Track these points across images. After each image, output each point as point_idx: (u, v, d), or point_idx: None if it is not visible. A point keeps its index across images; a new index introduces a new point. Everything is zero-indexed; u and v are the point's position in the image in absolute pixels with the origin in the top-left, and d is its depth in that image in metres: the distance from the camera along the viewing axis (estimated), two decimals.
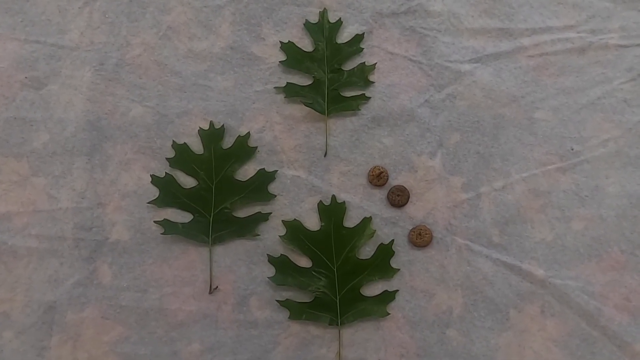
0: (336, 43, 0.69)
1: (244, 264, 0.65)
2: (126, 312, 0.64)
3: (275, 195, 0.66)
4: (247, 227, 0.65)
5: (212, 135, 0.67)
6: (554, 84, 0.68)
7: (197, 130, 0.68)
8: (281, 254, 0.65)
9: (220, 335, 0.64)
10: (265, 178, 0.66)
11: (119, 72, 0.69)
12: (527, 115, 0.68)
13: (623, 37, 0.69)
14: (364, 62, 0.69)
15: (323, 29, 0.69)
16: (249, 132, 0.67)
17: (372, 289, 0.65)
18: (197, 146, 0.67)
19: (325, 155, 0.67)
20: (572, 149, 0.67)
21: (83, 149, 0.67)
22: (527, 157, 0.67)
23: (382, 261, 0.64)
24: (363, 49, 0.69)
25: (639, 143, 0.67)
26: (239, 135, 0.67)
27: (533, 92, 0.68)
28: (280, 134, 0.68)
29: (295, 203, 0.67)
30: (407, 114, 0.68)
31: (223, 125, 0.67)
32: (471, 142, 0.67)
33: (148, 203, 0.66)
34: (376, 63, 0.69)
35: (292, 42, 0.69)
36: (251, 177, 0.66)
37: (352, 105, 0.68)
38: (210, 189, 0.66)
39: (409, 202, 0.66)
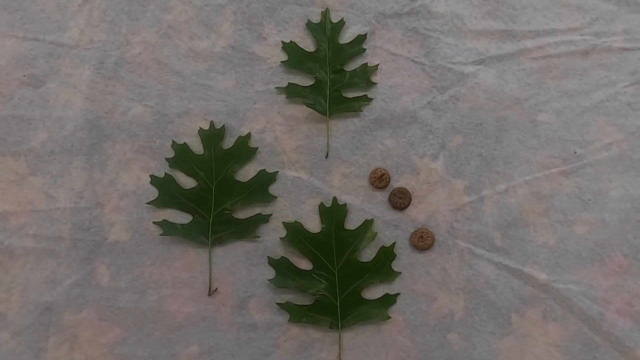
0: (338, 43, 0.69)
1: (243, 265, 0.65)
2: (124, 313, 0.64)
3: (276, 197, 0.66)
4: (247, 229, 0.65)
5: (212, 135, 0.66)
6: (557, 86, 0.68)
7: (197, 130, 0.67)
8: (281, 256, 0.64)
9: (219, 337, 0.63)
10: (265, 179, 0.66)
11: (119, 71, 0.68)
12: (530, 118, 0.67)
13: (627, 40, 0.68)
14: (366, 63, 0.68)
15: (325, 29, 0.69)
16: (249, 133, 0.67)
17: (373, 292, 0.64)
18: (197, 146, 0.67)
19: (326, 156, 0.67)
20: (575, 153, 0.66)
21: (82, 148, 0.66)
22: (530, 160, 0.66)
23: (384, 264, 0.64)
24: (365, 49, 0.69)
25: None
26: (240, 136, 0.67)
27: (536, 94, 0.68)
28: (281, 135, 0.67)
29: (296, 205, 0.66)
30: (409, 116, 0.67)
31: (224, 126, 0.67)
32: (474, 144, 0.67)
33: (147, 203, 0.65)
34: (379, 64, 0.68)
35: (294, 42, 0.68)
36: (252, 178, 0.66)
37: (354, 107, 0.67)
38: (210, 190, 0.65)
39: (410, 204, 0.66)
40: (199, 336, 0.63)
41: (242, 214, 0.65)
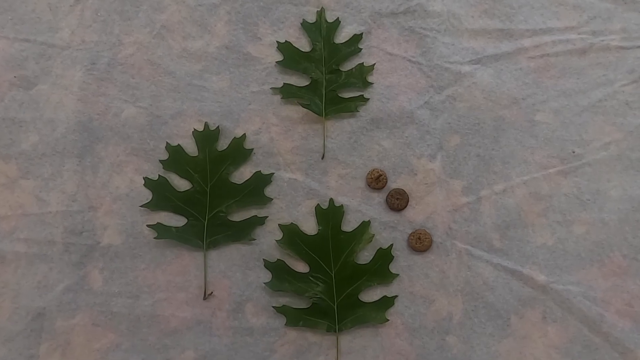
0: (334, 43, 0.68)
1: (239, 269, 0.64)
2: (118, 318, 0.63)
3: (272, 199, 0.65)
4: (243, 231, 0.64)
5: (206, 136, 0.66)
6: (554, 85, 0.67)
7: (191, 132, 0.66)
8: (277, 259, 0.63)
9: (214, 342, 0.62)
10: (261, 181, 0.65)
11: (111, 72, 0.67)
12: (527, 118, 0.67)
13: (624, 39, 0.68)
14: (363, 63, 0.68)
15: (321, 28, 0.68)
16: (244, 134, 0.66)
17: (371, 295, 0.63)
18: (191, 148, 0.66)
19: (322, 157, 0.66)
20: (574, 152, 0.66)
21: (74, 150, 0.66)
22: (528, 160, 0.66)
23: (381, 266, 0.63)
24: (361, 49, 0.68)
25: None
26: (235, 137, 0.66)
27: (534, 94, 0.67)
28: (276, 136, 0.66)
29: (292, 206, 0.65)
30: (406, 116, 0.67)
31: (218, 127, 0.66)
32: (471, 144, 0.66)
33: (141, 206, 0.64)
34: (375, 64, 0.68)
35: (289, 42, 0.68)
36: (247, 180, 0.65)
37: (350, 107, 0.67)
38: (205, 192, 0.64)
39: (408, 205, 0.65)
40: (194, 341, 0.62)
41: (238, 217, 0.65)
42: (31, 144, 0.66)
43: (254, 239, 0.64)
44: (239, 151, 0.65)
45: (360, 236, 0.64)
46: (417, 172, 0.66)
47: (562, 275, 0.64)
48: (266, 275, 0.64)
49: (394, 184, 0.66)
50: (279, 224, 0.64)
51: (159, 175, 0.65)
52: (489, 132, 0.66)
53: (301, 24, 0.68)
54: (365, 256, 0.64)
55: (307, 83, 0.67)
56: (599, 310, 0.63)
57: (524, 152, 0.66)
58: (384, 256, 0.63)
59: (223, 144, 0.66)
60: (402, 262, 0.64)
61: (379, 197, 0.66)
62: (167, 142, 0.66)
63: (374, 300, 0.63)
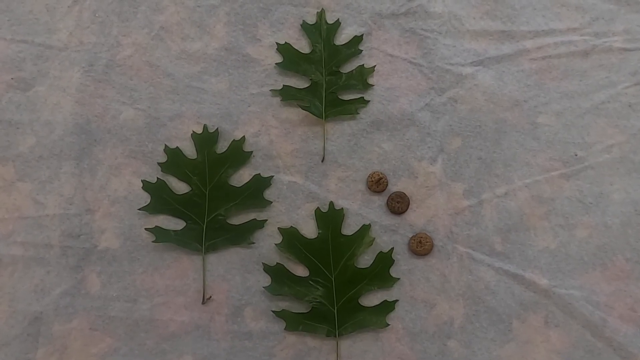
0: (334, 45, 0.67)
1: (238, 272, 0.63)
2: (115, 323, 0.62)
3: (271, 202, 0.65)
4: (242, 235, 0.63)
5: (205, 139, 0.65)
6: (557, 87, 0.67)
7: (190, 134, 0.66)
8: (277, 263, 0.63)
9: (213, 347, 0.62)
10: (260, 184, 0.64)
11: (109, 74, 0.67)
12: (529, 120, 0.66)
13: (627, 41, 0.67)
14: (363, 65, 0.67)
15: (321, 30, 0.67)
16: (244, 136, 0.65)
17: (371, 299, 0.63)
18: (190, 150, 0.65)
19: (322, 160, 0.66)
20: (576, 155, 0.65)
21: (71, 153, 0.65)
22: (530, 163, 0.65)
23: (382, 270, 0.63)
24: (362, 50, 0.67)
25: None
26: (234, 140, 0.65)
27: (536, 96, 0.67)
28: (276, 139, 0.66)
29: (292, 210, 0.65)
30: (407, 118, 0.66)
31: (217, 129, 0.65)
32: (473, 147, 0.66)
33: (139, 209, 0.64)
34: (375, 65, 0.67)
35: (289, 44, 0.67)
36: (246, 183, 0.64)
37: (350, 109, 0.66)
38: (204, 195, 0.64)
39: (409, 209, 0.65)
40: (193, 345, 0.62)
41: (237, 220, 0.64)
42: (28, 146, 0.65)
43: (253, 243, 0.64)
44: (238, 154, 0.65)
45: (360, 240, 0.63)
46: (417, 175, 0.65)
47: (565, 279, 0.63)
48: (265, 279, 0.63)
49: (394, 187, 0.65)
50: (278, 228, 0.64)
51: (157, 178, 0.64)
52: (491, 135, 0.66)
53: (301, 25, 0.68)
54: (365, 260, 0.64)
55: (307, 85, 0.67)
56: (602, 314, 0.62)
57: (525, 154, 0.65)
58: (385, 260, 0.63)
59: (222, 146, 0.65)
60: (403, 265, 0.64)
61: (379, 201, 0.65)
62: (165, 145, 0.65)
63: (374, 304, 0.62)
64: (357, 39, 0.67)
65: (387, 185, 0.65)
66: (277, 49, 0.67)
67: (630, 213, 0.64)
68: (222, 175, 0.64)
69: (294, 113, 0.67)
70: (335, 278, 0.62)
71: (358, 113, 0.66)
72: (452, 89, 0.67)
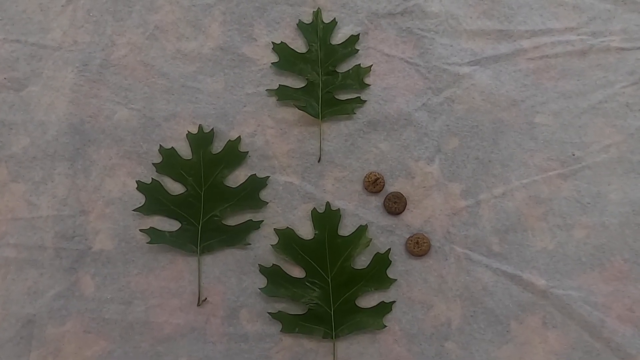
0: (330, 44, 0.67)
1: (234, 274, 0.63)
2: (110, 325, 0.62)
3: (267, 203, 0.64)
4: (238, 236, 0.63)
5: (201, 139, 0.65)
6: (554, 87, 0.66)
7: (185, 135, 0.65)
8: (273, 264, 0.62)
9: (209, 349, 0.61)
10: (256, 184, 0.64)
11: (104, 73, 0.66)
12: (527, 120, 0.66)
13: (624, 40, 0.67)
14: (359, 64, 0.67)
15: (317, 29, 0.67)
16: (239, 137, 0.65)
17: (368, 300, 0.62)
18: (185, 151, 0.65)
19: (319, 160, 0.65)
20: (574, 155, 0.65)
21: (65, 153, 0.64)
22: (527, 163, 0.65)
23: (378, 271, 0.62)
24: (358, 50, 0.67)
25: None
26: (229, 140, 0.65)
27: (533, 95, 0.66)
28: (272, 139, 0.65)
29: (288, 210, 0.64)
30: (404, 118, 0.66)
31: (212, 129, 0.65)
32: (470, 147, 0.65)
33: (133, 210, 0.63)
34: (372, 65, 0.67)
35: (285, 43, 0.67)
36: (242, 184, 0.64)
37: (347, 109, 0.66)
38: (199, 196, 0.63)
39: (406, 209, 0.64)
40: (188, 348, 0.61)
41: (232, 221, 0.63)
42: (21, 146, 0.64)
43: (249, 244, 0.63)
44: (234, 154, 0.64)
45: (357, 241, 0.63)
46: (415, 176, 0.65)
47: (563, 280, 0.63)
48: (261, 281, 0.62)
49: (391, 187, 0.65)
50: (274, 229, 0.63)
51: (152, 178, 0.64)
52: (488, 135, 0.66)
53: (297, 24, 0.67)
54: (362, 261, 0.63)
55: (303, 85, 0.66)
56: (600, 315, 0.62)
57: (523, 154, 0.65)
58: (382, 261, 0.62)
59: (217, 146, 0.65)
60: (400, 267, 0.63)
61: (376, 201, 0.65)
62: (160, 145, 0.65)
63: (371, 305, 0.62)
64: (354, 39, 0.67)
65: (384, 185, 0.64)
66: (273, 48, 0.67)
67: (628, 213, 0.64)
68: (218, 175, 0.64)
69: (290, 113, 0.66)
70: (331, 279, 0.62)
71: (355, 113, 0.66)
72: (449, 88, 0.66)
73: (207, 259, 0.63)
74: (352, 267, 0.62)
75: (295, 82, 0.67)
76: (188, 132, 0.65)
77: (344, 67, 0.67)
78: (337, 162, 0.65)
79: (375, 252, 0.63)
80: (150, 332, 0.61)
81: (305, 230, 0.64)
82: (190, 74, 0.66)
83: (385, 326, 0.61)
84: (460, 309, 0.62)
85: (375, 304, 0.62)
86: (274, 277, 0.62)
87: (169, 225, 0.63)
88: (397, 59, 0.67)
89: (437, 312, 0.62)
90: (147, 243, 0.62)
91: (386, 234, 0.64)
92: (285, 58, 0.66)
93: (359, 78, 0.66)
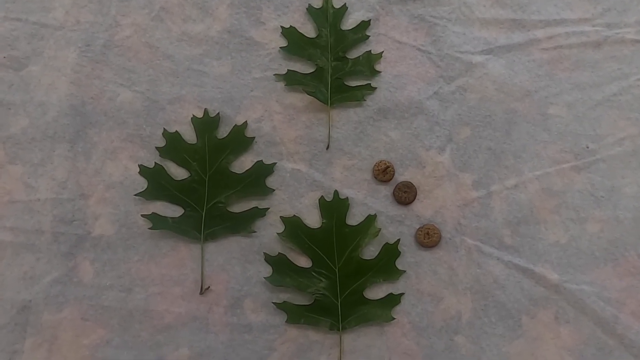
0: (341, 29, 0.66)
1: (238, 262, 0.61)
2: (108, 313, 0.60)
3: (274, 190, 0.63)
4: (243, 223, 0.61)
5: (206, 123, 0.63)
6: (568, 78, 0.65)
7: (190, 118, 0.64)
8: (279, 253, 0.61)
9: (211, 339, 0.60)
10: (263, 171, 0.63)
11: (107, 54, 0.65)
12: (540, 111, 0.65)
13: (639, 32, 0.66)
14: (370, 51, 0.66)
15: (327, 14, 0.66)
16: (246, 122, 0.64)
17: (376, 292, 0.61)
18: (189, 135, 0.63)
19: (327, 148, 0.64)
20: (588, 147, 0.64)
21: (65, 135, 0.63)
22: (540, 155, 0.64)
23: (387, 262, 0.61)
24: (369, 36, 0.66)
25: None
26: (236, 125, 0.63)
27: (547, 86, 0.65)
28: (279, 125, 0.64)
29: (295, 198, 0.63)
30: (415, 106, 0.64)
31: (218, 114, 0.64)
32: (482, 137, 0.64)
33: (135, 195, 0.62)
34: (383, 52, 0.66)
35: (294, 27, 0.65)
36: (248, 170, 0.63)
37: (356, 96, 0.64)
38: (204, 182, 0.62)
39: (416, 199, 0.63)
40: (190, 338, 0.60)
41: (237, 208, 0.62)
42: (20, 127, 0.63)
43: (254, 232, 0.62)
44: (240, 139, 0.63)
45: (365, 230, 0.61)
46: (425, 165, 0.63)
47: (576, 274, 0.61)
48: (266, 270, 0.61)
49: (401, 176, 0.63)
50: (280, 216, 0.62)
51: (155, 163, 0.62)
52: (501, 125, 0.64)
53: (307, 9, 0.66)
54: (370, 251, 0.62)
55: (312, 70, 0.65)
56: (613, 311, 0.60)
57: (536, 146, 0.64)
58: (391, 252, 0.61)
59: (223, 131, 0.64)
60: (409, 258, 0.62)
61: (385, 190, 0.63)
62: (164, 129, 0.63)
63: (379, 297, 0.61)
64: (365, 24, 0.66)
65: (393, 174, 0.63)
66: (281, 32, 0.66)
67: None
68: (223, 161, 0.62)
69: (299, 99, 0.65)
70: (339, 269, 0.60)
71: (364, 100, 0.64)
72: (462, 77, 0.65)
73: (211, 247, 0.61)
74: (360, 257, 0.61)
75: (304, 68, 0.65)
76: (193, 116, 0.63)
77: (354, 53, 0.66)
78: (346, 149, 0.64)
79: (384, 243, 0.61)
80: (150, 320, 0.60)
81: (313, 219, 0.62)
82: (196, 57, 0.65)
83: (394, 319, 0.60)
84: (470, 303, 0.61)
85: (383, 296, 0.61)
86: (280, 266, 0.60)
87: (171, 211, 0.62)
88: (409, 46, 0.66)
89: (447, 305, 0.61)
90: (148, 229, 0.61)
91: (395, 224, 0.62)
92: (294, 42, 0.65)
93: (369, 64, 0.65)
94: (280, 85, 0.65)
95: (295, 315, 0.59)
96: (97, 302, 0.60)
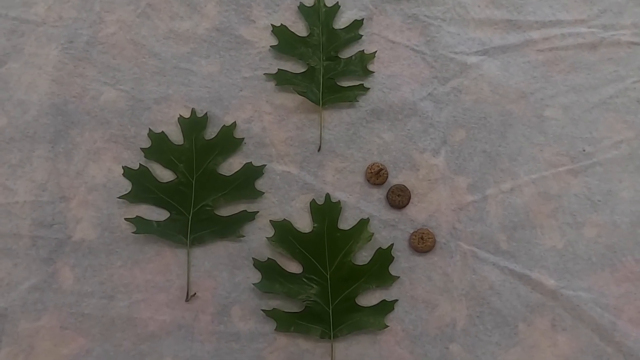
0: (333, 29, 0.65)
1: (225, 268, 0.60)
2: (89, 321, 0.58)
3: (263, 193, 0.61)
4: (231, 227, 0.60)
5: (193, 124, 0.62)
6: (564, 80, 0.65)
7: (176, 119, 0.63)
8: (268, 258, 0.60)
9: (196, 349, 0.58)
10: (252, 173, 0.62)
11: (90, 52, 0.64)
12: (536, 113, 0.64)
13: (636, 34, 0.66)
14: (363, 50, 0.65)
15: (319, 12, 0.65)
16: (235, 122, 0.63)
17: (369, 299, 0.60)
18: (176, 136, 0.62)
19: (319, 149, 0.63)
20: (584, 150, 0.63)
21: (46, 135, 0.62)
22: (536, 158, 0.63)
23: (380, 267, 0.60)
24: (362, 36, 0.65)
25: None
26: (224, 125, 0.62)
27: (543, 88, 0.64)
28: (269, 125, 0.63)
29: (285, 201, 0.61)
30: (408, 108, 0.63)
31: (206, 114, 0.63)
32: (477, 139, 0.63)
33: (119, 198, 0.61)
34: (376, 52, 0.65)
35: (285, 26, 0.65)
36: (236, 172, 0.62)
37: (349, 96, 0.63)
38: (190, 184, 0.60)
39: (410, 203, 0.61)
40: (174, 347, 0.58)
41: (225, 211, 0.61)
42: None
43: (243, 236, 0.60)
44: (229, 141, 0.62)
45: (358, 235, 0.60)
46: (419, 168, 0.62)
47: (573, 280, 0.60)
48: (255, 276, 0.60)
49: (395, 179, 0.62)
50: (270, 220, 0.60)
51: (139, 164, 0.61)
52: (496, 127, 0.63)
53: (298, 7, 0.66)
54: (363, 256, 0.60)
55: (304, 70, 0.64)
56: (611, 317, 0.59)
57: (532, 149, 0.63)
58: (384, 257, 0.60)
59: (211, 132, 0.62)
60: (403, 263, 0.61)
61: (378, 194, 0.62)
62: (149, 129, 0.62)
63: (372, 304, 0.59)
64: (357, 24, 0.65)
65: (387, 177, 0.62)
66: (272, 31, 0.65)
67: None
68: (211, 163, 0.61)
69: (289, 99, 0.63)
70: (330, 275, 0.59)
71: (357, 100, 0.63)
72: (456, 78, 0.64)
73: (197, 252, 0.60)
74: (353, 262, 0.60)
75: (295, 67, 0.64)
76: (180, 116, 0.62)
77: (346, 53, 0.65)
78: (338, 151, 0.62)
79: (377, 248, 0.60)
80: (133, 329, 0.58)
81: (303, 223, 0.61)
82: (184, 55, 0.64)
83: (387, 326, 0.59)
84: (465, 309, 0.59)
85: (376, 303, 0.59)
86: (269, 272, 0.59)
87: (156, 214, 0.60)
88: (402, 46, 0.65)
89: (441, 312, 0.59)
90: (132, 233, 0.60)
91: (389, 229, 0.61)
92: (285, 41, 0.64)
93: (362, 64, 0.64)
94: (271, 85, 0.64)
95: (285, 323, 0.58)
96: (78, 310, 0.58)
